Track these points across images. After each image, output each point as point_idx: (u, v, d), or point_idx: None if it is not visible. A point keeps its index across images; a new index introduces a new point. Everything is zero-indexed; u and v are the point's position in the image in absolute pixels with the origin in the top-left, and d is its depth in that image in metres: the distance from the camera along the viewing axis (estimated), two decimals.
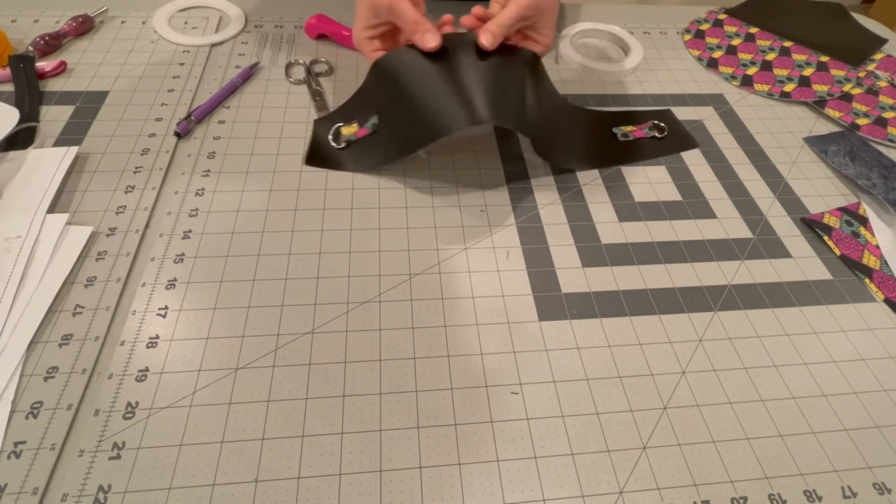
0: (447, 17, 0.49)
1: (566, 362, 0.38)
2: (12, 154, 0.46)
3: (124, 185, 0.46)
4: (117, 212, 0.44)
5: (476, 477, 0.33)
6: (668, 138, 0.55)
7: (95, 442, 0.32)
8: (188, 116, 0.51)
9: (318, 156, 0.50)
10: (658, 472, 0.34)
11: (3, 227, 0.41)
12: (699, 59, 0.67)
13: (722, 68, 0.65)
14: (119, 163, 0.47)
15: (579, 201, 0.49)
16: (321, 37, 0.63)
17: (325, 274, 0.41)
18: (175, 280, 0.40)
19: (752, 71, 0.65)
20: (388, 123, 0.48)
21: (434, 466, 0.33)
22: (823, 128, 0.59)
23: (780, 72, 0.65)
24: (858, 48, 0.70)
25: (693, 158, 0.54)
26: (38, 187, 0.44)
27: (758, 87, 0.63)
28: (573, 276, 0.43)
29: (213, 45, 0.60)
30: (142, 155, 0.48)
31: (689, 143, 0.55)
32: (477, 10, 0.48)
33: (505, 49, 0.47)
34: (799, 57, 0.68)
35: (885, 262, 0.47)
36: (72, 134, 0.49)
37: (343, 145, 0.50)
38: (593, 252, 0.45)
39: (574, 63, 0.64)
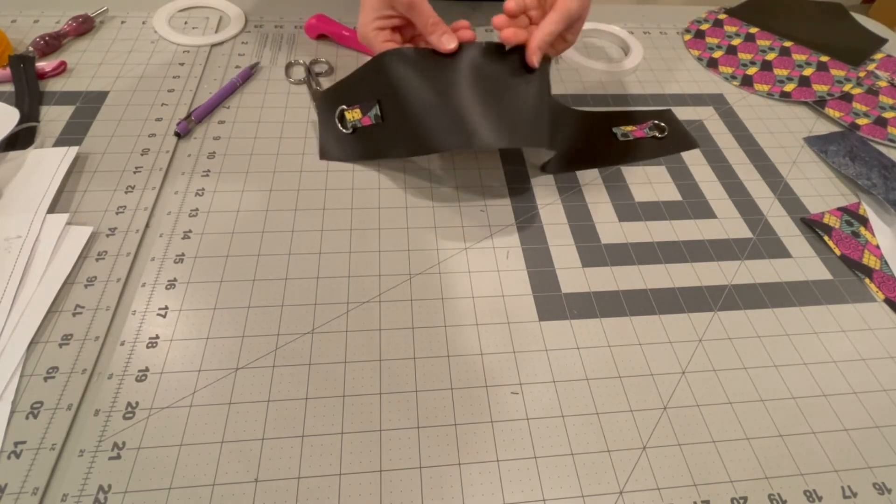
0: (463, 22, 0.47)
1: (566, 362, 0.38)
2: (12, 154, 0.46)
3: (124, 185, 0.46)
4: (117, 212, 0.44)
5: (476, 477, 0.33)
6: (669, 138, 0.55)
7: (95, 442, 0.32)
8: (188, 116, 0.51)
9: (332, 142, 0.50)
10: (658, 472, 0.34)
11: (3, 227, 0.41)
12: (699, 59, 0.67)
13: (722, 68, 0.65)
14: (119, 163, 0.47)
15: (579, 201, 0.49)
16: (321, 37, 0.63)
17: (325, 274, 0.41)
18: (175, 280, 0.40)
19: (752, 71, 0.65)
20: (395, 121, 0.47)
21: (434, 466, 0.33)
22: (823, 128, 0.59)
23: (780, 72, 0.65)
24: (858, 48, 0.70)
25: (693, 158, 0.54)
26: (38, 187, 0.44)
27: (758, 87, 0.63)
28: (573, 276, 0.43)
29: (213, 45, 0.60)
30: (142, 155, 0.48)
31: (690, 143, 0.55)
32: (510, 5, 0.45)
33: (520, 56, 0.45)
34: (799, 57, 0.68)
35: (885, 262, 0.47)
36: (72, 134, 0.49)
37: (350, 130, 0.50)
38: (593, 252, 0.45)
39: (574, 63, 0.64)
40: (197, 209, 0.45)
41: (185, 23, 0.63)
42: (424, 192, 0.48)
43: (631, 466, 0.34)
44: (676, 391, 0.37)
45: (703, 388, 0.38)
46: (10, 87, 0.52)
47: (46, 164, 0.45)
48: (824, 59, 0.67)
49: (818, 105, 0.61)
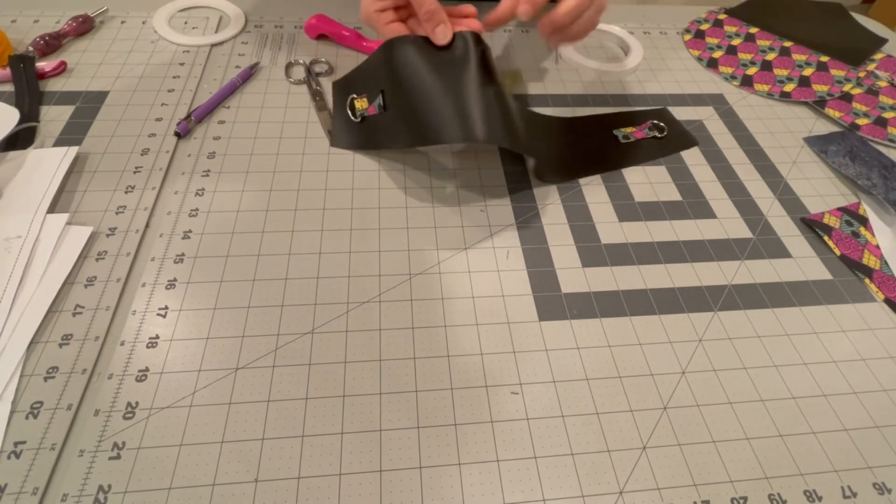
0: (470, 8, 0.47)
1: (566, 362, 0.38)
2: (12, 154, 0.46)
3: (124, 185, 0.46)
4: (117, 212, 0.44)
5: (476, 477, 0.33)
6: (668, 137, 0.55)
7: (95, 442, 0.32)
8: (188, 116, 0.51)
9: (342, 129, 0.51)
10: (658, 472, 0.34)
11: (3, 227, 0.41)
12: (699, 59, 0.67)
13: (722, 68, 0.65)
14: (119, 163, 0.47)
15: (579, 201, 0.49)
16: (321, 37, 0.63)
17: (325, 274, 0.41)
18: (175, 280, 0.40)
19: (752, 71, 0.65)
20: (395, 111, 0.47)
21: (434, 466, 0.33)
22: (823, 128, 0.59)
23: (780, 72, 0.65)
24: (858, 48, 0.70)
25: (693, 158, 0.54)
26: (38, 187, 0.44)
27: (758, 87, 0.63)
28: (573, 276, 0.43)
29: (213, 45, 0.60)
30: (142, 155, 0.48)
31: (689, 142, 0.55)
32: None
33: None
34: (799, 57, 0.68)
35: (885, 262, 0.47)
36: (72, 134, 0.49)
37: (359, 119, 0.50)
38: (593, 252, 0.45)
39: (574, 63, 0.64)
40: (197, 209, 0.45)
41: (185, 23, 0.63)
42: (424, 192, 0.48)
43: (631, 466, 0.34)
44: (676, 391, 0.37)
45: (703, 388, 0.38)
46: (10, 87, 0.52)
47: (46, 164, 0.45)
48: (824, 59, 0.67)
49: (818, 105, 0.61)
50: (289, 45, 0.62)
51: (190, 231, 0.43)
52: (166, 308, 0.38)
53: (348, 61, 0.60)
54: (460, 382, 0.37)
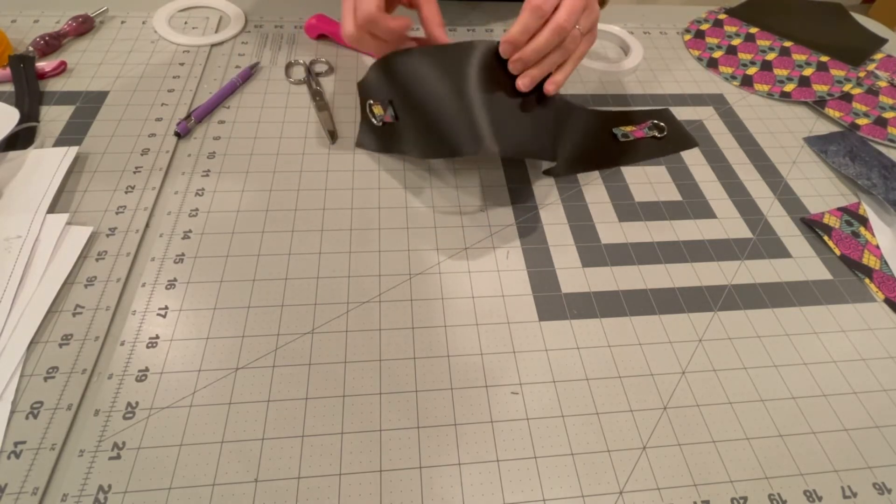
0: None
1: (566, 362, 0.38)
2: (12, 154, 0.46)
3: (124, 185, 0.46)
4: (117, 212, 0.44)
5: (476, 477, 0.33)
6: (668, 137, 0.55)
7: (95, 442, 0.32)
8: (188, 116, 0.51)
9: (366, 131, 0.52)
10: (658, 472, 0.34)
11: (3, 227, 0.41)
12: (699, 59, 0.67)
13: (722, 68, 0.65)
14: (119, 163, 0.47)
15: (579, 201, 0.49)
16: (321, 37, 0.63)
17: (325, 274, 0.41)
18: (175, 280, 0.40)
19: (752, 71, 0.65)
20: (407, 121, 0.48)
21: (434, 466, 0.33)
22: (823, 128, 0.59)
23: (780, 72, 0.65)
24: (858, 48, 0.70)
25: (693, 158, 0.54)
26: (38, 187, 0.44)
27: (758, 87, 0.63)
28: (573, 276, 0.43)
29: (213, 45, 0.60)
30: (142, 155, 0.48)
31: (689, 142, 0.55)
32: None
33: None
34: (799, 57, 0.68)
35: (885, 262, 0.47)
36: (72, 134, 0.49)
37: (379, 123, 0.51)
38: (593, 252, 0.45)
39: None
40: (197, 209, 0.45)
41: (185, 23, 0.63)
42: (424, 192, 0.48)
43: (631, 466, 0.34)
44: (676, 391, 0.37)
45: (703, 388, 0.38)
46: (10, 87, 0.52)
47: (46, 164, 0.45)
48: (824, 59, 0.67)
49: (818, 105, 0.61)
50: (289, 45, 0.62)
51: (190, 231, 0.43)
52: (166, 308, 0.38)
53: (348, 61, 0.60)
54: (460, 382, 0.37)
